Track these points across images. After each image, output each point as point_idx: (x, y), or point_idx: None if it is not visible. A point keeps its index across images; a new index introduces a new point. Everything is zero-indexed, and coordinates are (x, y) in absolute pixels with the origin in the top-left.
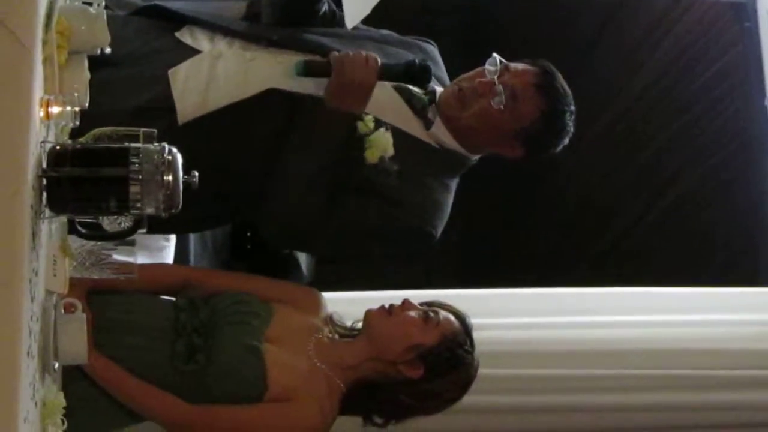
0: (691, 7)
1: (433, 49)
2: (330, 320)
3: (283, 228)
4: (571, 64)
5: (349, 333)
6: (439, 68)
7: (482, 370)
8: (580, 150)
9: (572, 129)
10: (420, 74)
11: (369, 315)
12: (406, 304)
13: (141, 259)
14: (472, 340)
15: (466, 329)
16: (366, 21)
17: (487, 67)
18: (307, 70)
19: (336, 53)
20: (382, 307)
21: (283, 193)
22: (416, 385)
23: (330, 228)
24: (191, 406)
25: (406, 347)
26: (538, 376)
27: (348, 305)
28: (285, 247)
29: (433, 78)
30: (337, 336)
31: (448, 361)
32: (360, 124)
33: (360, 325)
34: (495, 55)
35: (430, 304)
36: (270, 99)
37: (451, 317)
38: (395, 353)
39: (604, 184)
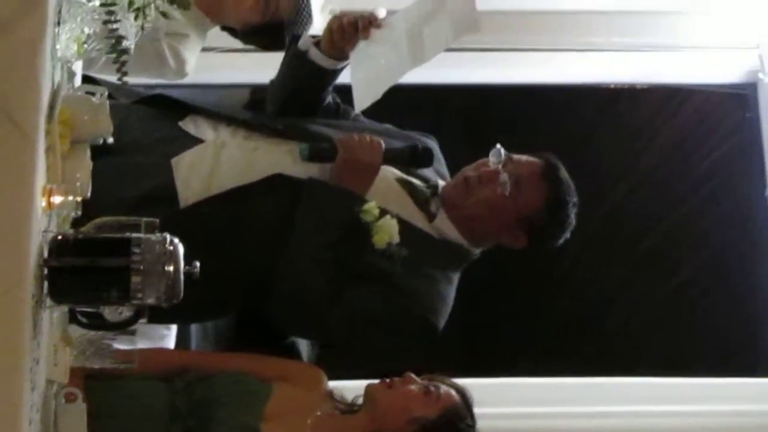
0: (692, 96)
1: (434, 144)
2: (330, 396)
3: (289, 306)
4: (571, 154)
5: (350, 408)
6: (440, 163)
7: None
8: (580, 239)
9: (574, 221)
10: (424, 156)
11: (370, 388)
12: (407, 378)
13: (141, 346)
14: (473, 415)
15: (467, 403)
16: (368, 114)
17: (491, 158)
18: (312, 155)
19: (341, 137)
20: (383, 380)
21: (288, 273)
22: None
23: (334, 312)
24: None
25: (407, 420)
26: None
27: (349, 393)
28: (288, 330)
29: (434, 171)
30: (337, 412)
31: None
32: (365, 212)
33: (360, 401)
34: (498, 145)
35: (431, 378)
36: (274, 184)
37: (452, 391)
38: (396, 426)
39: (604, 273)
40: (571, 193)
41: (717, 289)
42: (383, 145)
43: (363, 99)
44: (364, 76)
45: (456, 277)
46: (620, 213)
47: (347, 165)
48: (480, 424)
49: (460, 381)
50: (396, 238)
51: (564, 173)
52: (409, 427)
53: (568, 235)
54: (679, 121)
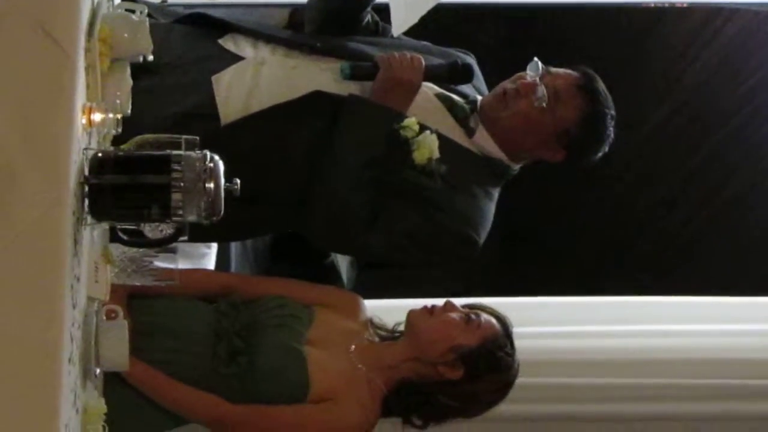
0: (734, 15)
1: (473, 61)
2: (370, 323)
3: (329, 225)
4: (613, 73)
5: (390, 335)
6: (479, 80)
7: (520, 379)
8: (621, 158)
9: (612, 134)
10: (463, 73)
11: (411, 315)
12: (447, 305)
13: (182, 265)
14: (512, 343)
15: (506, 332)
16: (407, 32)
17: (529, 71)
18: (353, 74)
19: (382, 54)
20: (424, 307)
21: (329, 189)
22: (456, 387)
23: (375, 229)
24: (234, 405)
25: (447, 348)
26: (574, 385)
27: (388, 313)
28: (328, 248)
29: (473, 87)
30: (377, 339)
31: (488, 363)
32: (405, 128)
33: (401, 327)
34: (536, 59)
35: (471, 306)
36: (314, 101)
37: (493, 320)
38: (436, 354)
39: (646, 192)
40: (608, 105)
41: (763, 207)
42: (423, 62)
43: (402, 22)
44: (401, 1)
45: (496, 193)
46: (662, 133)
47: (387, 82)
48: (520, 343)
49: (500, 300)
50: (436, 154)
51: (601, 85)
52: (449, 354)
53: (606, 148)
54: (720, 41)
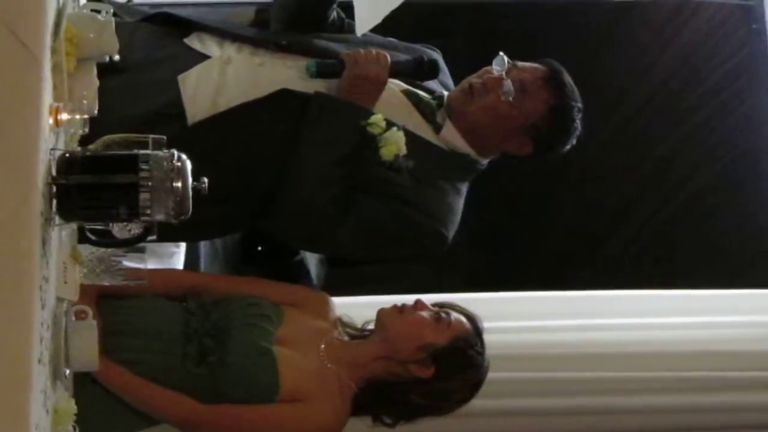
0: (699, 9)
1: (439, 56)
2: (340, 322)
3: (297, 223)
4: (579, 68)
5: (360, 333)
6: (445, 75)
7: (492, 374)
8: (589, 153)
9: (580, 126)
10: (429, 69)
11: (381, 314)
12: (418, 304)
13: (151, 265)
14: (482, 342)
15: (477, 330)
16: (373, 29)
17: (495, 65)
18: (319, 71)
19: (348, 51)
20: (395, 306)
21: (297, 188)
22: (426, 385)
23: (343, 226)
24: (203, 405)
25: (418, 347)
26: (547, 379)
27: (358, 310)
28: (297, 245)
29: (439, 82)
30: (347, 337)
31: (458, 361)
32: (371, 125)
33: (371, 326)
34: (501, 53)
35: (441, 305)
36: (281, 100)
37: (463, 318)
38: (406, 352)
39: (614, 186)
40: (575, 98)
41: (727, 201)
42: (389, 58)
43: (366, 20)
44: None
45: (464, 188)
46: (629, 128)
47: (353, 79)
48: (492, 338)
49: (471, 295)
50: (403, 150)
51: (568, 78)
52: (419, 353)
53: (574, 141)
54: (686, 35)
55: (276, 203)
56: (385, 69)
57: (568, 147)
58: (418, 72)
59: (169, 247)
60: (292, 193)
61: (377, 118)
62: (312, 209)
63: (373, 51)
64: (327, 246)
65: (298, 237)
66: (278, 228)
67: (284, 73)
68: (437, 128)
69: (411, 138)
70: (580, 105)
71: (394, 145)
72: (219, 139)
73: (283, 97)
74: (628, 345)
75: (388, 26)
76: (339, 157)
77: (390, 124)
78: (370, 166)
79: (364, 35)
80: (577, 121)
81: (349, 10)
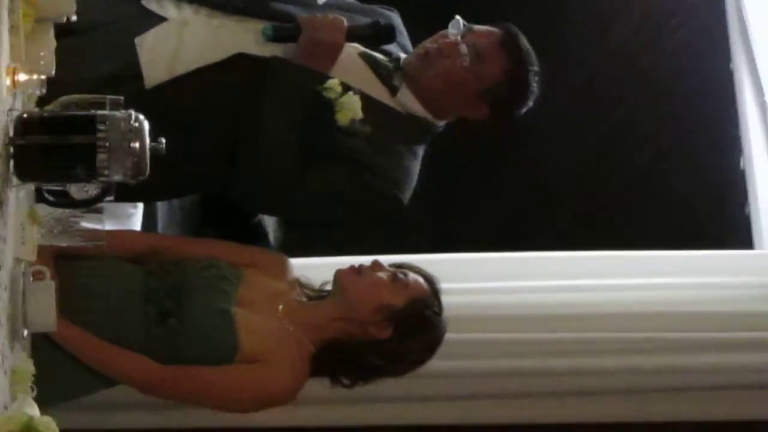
0: None
1: (396, 17)
2: (298, 283)
3: (253, 188)
4: (537, 31)
5: (318, 294)
6: (403, 36)
7: (450, 335)
8: (547, 115)
9: (536, 89)
10: (385, 33)
11: (338, 274)
12: (375, 264)
13: (109, 226)
14: (440, 303)
15: (434, 291)
16: None
17: (450, 29)
18: (275, 36)
19: (304, 15)
20: (352, 266)
21: (253, 152)
22: (384, 346)
23: (300, 190)
24: (162, 366)
25: (375, 308)
26: (505, 341)
27: (315, 271)
28: (254, 209)
29: (397, 44)
30: (305, 298)
31: (416, 322)
32: (327, 89)
33: (329, 287)
34: (458, 17)
35: (399, 265)
36: (238, 63)
37: (420, 279)
38: (364, 313)
39: (573, 148)
40: (531, 61)
41: (686, 163)
42: (345, 22)
43: None
44: None
45: (421, 151)
46: (588, 91)
47: (310, 44)
48: (449, 299)
49: (428, 257)
50: (359, 114)
51: (524, 41)
52: (377, 314)
53: (530, 104)
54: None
55: (235, 167)
56: (342, 33)
57: (524, 110)
58: (374, 36)
59: (126, 208)
60: (248, 157)
61: (333, 83)
62: (270, 173)
63: (330, 15)
64: (284, 210)
65: (255, 200)
66: (236, 191)
67: (241, 36)
68: (394, 91)
69: (367, 102)
70: (536, 68)
71: (350, 109)
72: (177, 102)
73: (240, 61)
74: (589, 306)
75: None
76: (295, 122)
77: (346, 89)
78: (327, 131)
79: None
80: (534, 85)
81: None
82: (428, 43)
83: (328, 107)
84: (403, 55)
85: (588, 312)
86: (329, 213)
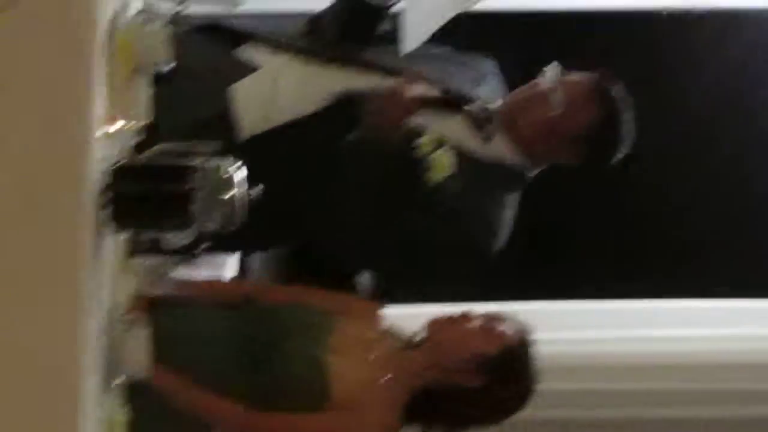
0: (751, 22)
1: (493, 65)
2: (390, 331)
3: (341, 241)
4: (632, 78)
5: (410, 343)
6: (500, 84)
7: (543, 385)
8: (644, 158)
9: (632, 135)
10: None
11: (431, 324)
12: (467, 314)
13: (202, 273)
14: (532, 352)
15: (526, 341)
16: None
17: (545, 76)
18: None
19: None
20: (443, 315)
21: (342, 204)
22: (476, 395)
23: (387, 243)
24: (257, 413)
25: (467, 356)
26: (596, 391)
27: (408, 320)
28: (342, 262)
29: (493, 91)
30: (397, 347)
31: (508, 372)
32: (421, 146)
33: (420, 335)
34: (553, 63)
35: (491, 315)
36: (332, 112)
37: (512, 329)
38: (455, 362)
39: (670, 192)
40: (625, 109)
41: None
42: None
43: (412, 39)
44: (415, 15)
45: (513, 199)
46: (683, 137)
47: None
48: (541, 349)
49: (521, 306)
50: (451, 170)
51: (618, 88)
52: (468, 363)
53: (624, 151)
54: (738, 46)
55: (323, 217)
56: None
57: (617, 158)
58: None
59: (221, 255)
60: (337, 208)
61: (426, 139)
62: (357, 224)
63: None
64: (369, 262)
65: (342, 253)
66: (323, 243)
67: (336, 85)
68: (487, 139)
69: (459, 153)
70: (631, 115)
71: (442, 166)
72: (272, 152)
73: (333, 110)
74: (685, 356)
75: (441, 36)
76: (384, 175)
77: (438, 144)
78: (418, 186)
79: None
80: (628, 132)
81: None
82: (523, 90)
83: (419, 164)
84: (498, 102)
85: (682, 362)
86: (416, 264)
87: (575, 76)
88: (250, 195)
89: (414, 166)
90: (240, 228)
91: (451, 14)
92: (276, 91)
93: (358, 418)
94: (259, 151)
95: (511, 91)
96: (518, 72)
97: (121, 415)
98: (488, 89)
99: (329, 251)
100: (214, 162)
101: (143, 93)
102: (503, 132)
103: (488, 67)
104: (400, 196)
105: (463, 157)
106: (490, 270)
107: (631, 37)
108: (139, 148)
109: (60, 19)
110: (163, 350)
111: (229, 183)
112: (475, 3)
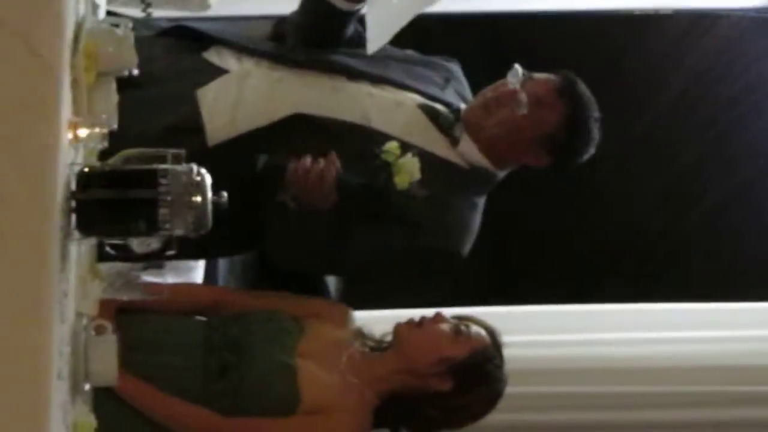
0: (718, 21)
1: (457, 68)
2: (359, 334)
3: (301, 252)
4: (597, 80)
5: (379, 346)
6: (463, 86)
7: (510, 388)
8: (607, 165)
9: (597, 136)
10: (377, 195)
11: (399, 328)
12: (437, 317)
13: (170, 279)
14: (502, 356)
15: (496, 344)
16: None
17: (510, 78)
18: (265, 167)
19: (293, 165)
20: (412, 319)
21: (303, 213)
22: (444, 399)
23: (353, 251)
24: (225, 419)
25: (436, 360)
26: (566, 394)
27: (376, 324)
28: (308, 268)
29: (457, 94)
30: (367, 349)
31: (477, 375)
32: (386, 152)
33: (389, 337)
34: (516, 65)
35: (460, 318)
36: (296, 123)
37: (482, 332)
38: (425, 366)
39: (633, 199)
40: (591, 108)
41: (746, 214)
42: (334, 174)
43: (375, 40)
44: (378, 17)
45: (481, 202)
46: (647, 140)
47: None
48: (510, 352)
49: (490, 309)
50: (417, 176)
51: (583, 88)
52: (437, 366)
53: (591, 151)
54: (704, 48)
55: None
56: (327, 194)
57: (585, 158)
58: (364, 195)
59: (187, 262)
60: (299, 218)
61: (391, 146)
62: (318, 235)
63: (320, 165)
64: (334, 271)
65: (304, 264)
66: (280, 252)
67: (301, 91)
68: (455, 142)
69: (426, 158)
70: (596, 115)
71: (408, 172)
72: (236, 159)
73: (298, 120)
74: (648, 359)
75: (405, 40)
76: (350, 186)
77: (405, 150)
78: (383, 193)
79: (382, 49)
80: (594, 132)
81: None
82: (488, 92)
83: (385, 170)
84: (463, 105)
85: (646, 365)
86: (382, 271)
87: (539, 77)
88: (216, 199)
89: (379, 171)
90: (207, 234)
91: (412, 15)
92: (242, 97)
93: (329, 421)
94: (223, 158)
95: (475, 94)
96: (482, 74)
97: (89, 420)
98: (454, 92)
99: (294, 258)
100: (181, 167)
101: (109, 98)
102: (469, 134)
103: (453, 69)
104: (365, 203)
105: (430, 164)
106: (460, 273)
107: (596, 38)
108: (106, 154)
109: (26, 25)
110: (129, 357)
111: (196, 187)
112: (434, 2)
